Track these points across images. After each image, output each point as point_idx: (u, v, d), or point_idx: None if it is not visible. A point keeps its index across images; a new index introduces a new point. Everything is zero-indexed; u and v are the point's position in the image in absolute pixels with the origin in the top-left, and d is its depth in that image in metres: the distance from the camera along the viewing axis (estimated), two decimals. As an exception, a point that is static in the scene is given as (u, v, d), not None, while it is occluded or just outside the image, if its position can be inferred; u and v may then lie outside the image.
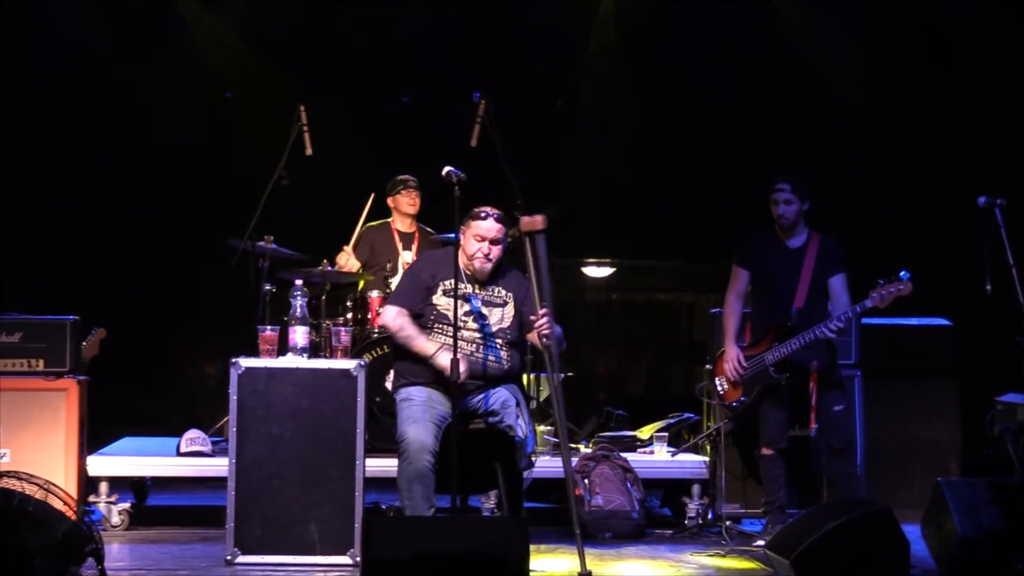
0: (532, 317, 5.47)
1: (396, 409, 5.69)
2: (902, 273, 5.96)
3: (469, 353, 5.61)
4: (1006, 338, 5.90)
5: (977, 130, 8.60)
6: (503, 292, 5.77)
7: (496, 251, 5.70)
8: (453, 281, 5.63)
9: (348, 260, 7.48)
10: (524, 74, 8.98)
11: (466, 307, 5.64)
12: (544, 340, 5.40)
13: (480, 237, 5.66)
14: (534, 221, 5.34)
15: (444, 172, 5.46)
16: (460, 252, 5.67)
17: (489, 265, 5.69)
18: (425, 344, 5.63)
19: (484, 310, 5.70)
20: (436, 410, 5.58)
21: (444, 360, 5.53)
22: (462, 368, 5.39)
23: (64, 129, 8.64)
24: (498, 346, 5.70)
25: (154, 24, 8.78)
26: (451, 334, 5.56)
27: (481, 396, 5.67)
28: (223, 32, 8.87)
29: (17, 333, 6.42)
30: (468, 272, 5.71)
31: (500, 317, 5.73)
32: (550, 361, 5.36)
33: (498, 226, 5.68)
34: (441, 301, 5.70)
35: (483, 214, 5.67)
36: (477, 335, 5.67)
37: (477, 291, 5.73)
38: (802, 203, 6.31)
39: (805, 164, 7.82)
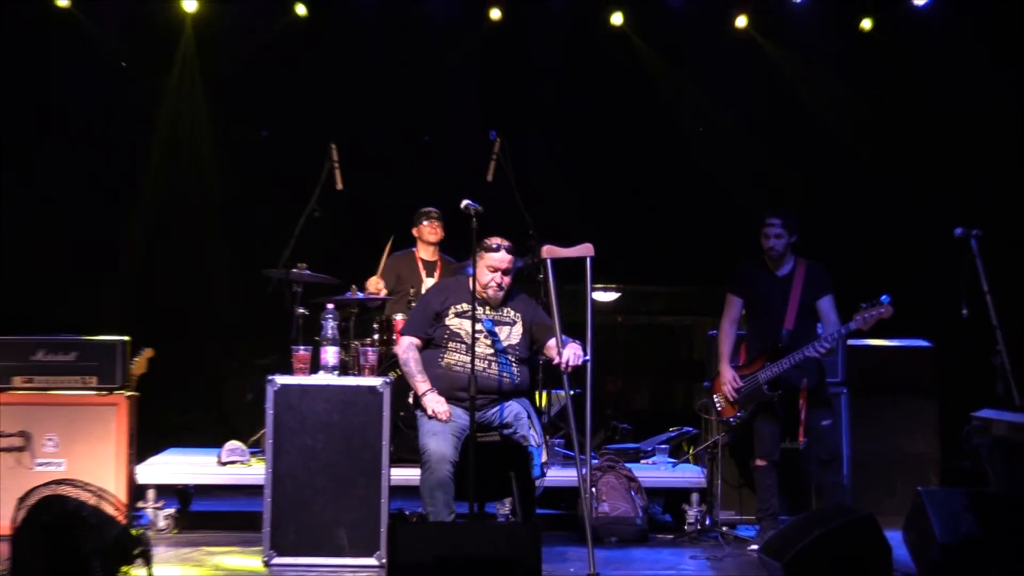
0: (556, 361, 5.64)
1: (417, 423, 5.86)
2: (883, 297, 6.11)
3: (482, 369, 5.75)
4: (982, 358, 6.04)
5: (956, 162, 8.67)
6: (512, 313, 5.94)
7: (507, 280, 5.85)
8: (465, 304, 5.78)
9: (377, 286, 7.57)
10: (534, 111, 9.08)
11: (479, 326, 5.76)
12: (574, 366, 5.61)
13: (492, 268, 5.82)
14: (585, 248, 5.60)
15: (462, 205, 5.60)
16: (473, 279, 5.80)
17: (501, 293, 5.88)
18: (419, 383, 5.80)
19: (495, 328, 5.87)
20: (455, 423, 5.74)
21: (431, 402, 5.73)
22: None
23: (115, 157, 8.75)
24: (510, 362, 5.86)
25: (182, 54, 8.97)
26: (464, 351, 5.74)
27: (496, 409, 5.85)
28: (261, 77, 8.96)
29: (73, 352, 6.64)
30: (482, 298, 5.87)
31: (508, 334, 5.89)
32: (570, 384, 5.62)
33: (509, 257, 5.84)
34: (454, 322, 5.85)
35: (495, 245, 5.82)
36: (490, 352, 5.83)
37: (488, 312, 5.91)
38: (791, 236, 6.48)
39: (791, 194, 7.96)
